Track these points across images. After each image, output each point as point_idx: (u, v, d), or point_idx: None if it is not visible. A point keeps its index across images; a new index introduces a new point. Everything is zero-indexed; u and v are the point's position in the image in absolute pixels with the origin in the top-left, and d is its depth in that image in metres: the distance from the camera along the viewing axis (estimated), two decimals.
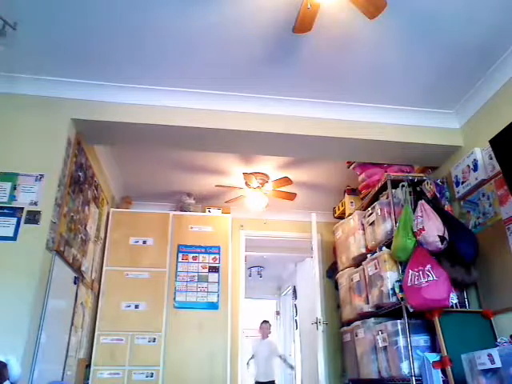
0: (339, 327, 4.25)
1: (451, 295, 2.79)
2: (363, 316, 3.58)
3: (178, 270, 4.26)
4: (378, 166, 3.76)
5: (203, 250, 4.38)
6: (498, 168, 2.67)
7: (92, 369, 3.75)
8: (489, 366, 2.14)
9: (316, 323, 4.10)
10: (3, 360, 2.09)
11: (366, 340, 3.46)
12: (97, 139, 3.38)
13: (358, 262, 3.78)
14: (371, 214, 3.61)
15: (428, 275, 2.79)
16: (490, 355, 2.14)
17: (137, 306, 4.02)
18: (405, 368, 2.87)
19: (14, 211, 2.65)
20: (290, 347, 7.69)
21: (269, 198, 4.54)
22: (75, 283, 3.29)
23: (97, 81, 3.02)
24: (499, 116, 2.82)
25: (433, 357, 2.72)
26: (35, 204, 2.69)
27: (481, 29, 2.57)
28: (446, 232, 2.91)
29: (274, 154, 3.81)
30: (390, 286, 3.13)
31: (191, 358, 3.94)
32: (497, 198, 2.80)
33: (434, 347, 2.87)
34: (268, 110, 3.22)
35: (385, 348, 3.12)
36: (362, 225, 3.78)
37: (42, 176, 2.76)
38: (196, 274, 4.27)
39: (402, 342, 2.94)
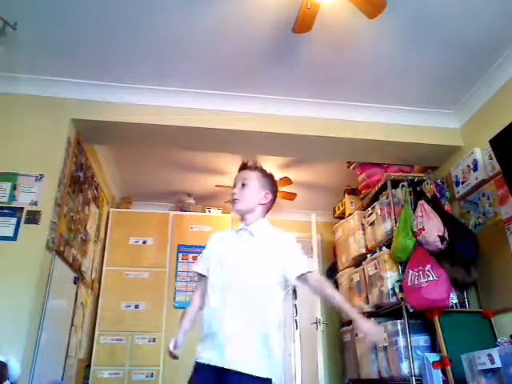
0: (339, 327, 4.25)
1: (451, 295, 2.79)
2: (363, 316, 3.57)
3: (178, 270, 4.26)
4: (378, 166, 3.76)
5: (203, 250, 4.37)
6: (498, 168, 2.67)
7: (92, 369, 3.75)
8: (489, 366, 2.14)
9: (316, 323, 4.10)
10: (3, 360, 2.10)
11: (366, 340, 3.46)
12: (97, 139, 3.38)
13: (358, 262, 3.78)
14: (371, 214, 3.61)
15: (428, 275, 2.79)
16: (490, 355, 2.14)
17: (137, 306, 4.02)
18: (405, 368, 2.86)
19: (14, 211, 2.64)
20: (289, 347, 7.69)
21: None
22: (75, 283, 3.29)
23: (97, 81, 3.01)
24: (499, 116, 2.81)
25: (433, 357, 2.72)
26: (35, 204, 2.68)
27: (481, 29, 2.56)
28: (446, 232, 2.91)
29: (274, 154, 3.81)
30: (390, 286, 3.13)
31: (191, 358, 3.92)
32: (497, 198, 2.80)
33: (434, 347, 2.87)
34: (268, 110, 3.21)
35: (385, 348, 3.12)
36: (362, 225, 3.78)
37: (42, 176, 2.76)
38: (196, 274, 4.26)
39: (402, 342, 2.94)
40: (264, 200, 1.83)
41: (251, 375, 1.52)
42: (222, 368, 1.55)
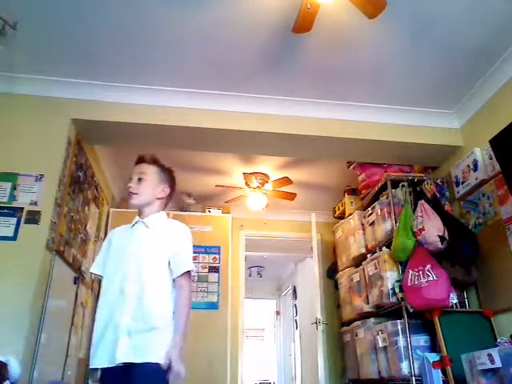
0: (339, 327, 4.25)
1: (451, 295, 2.79)
2: (363, 316, 3.58)
3: None
4: (378, 166, 3.76)
5: (203, 250, 4.37)
6: (498, 168, 2.67)
7: None
8: (489, 365, 2.14)
9: (316, 323, 4.10)
10: (3, 360, 2.10)
11: (365, 340, 3.46)
12: (97, 139, 3.38)
13: (358, 262, 3.78)
14: (371, 214, 3.61)
15: (428, 275, 2.79)
16: (489, 355, 2.14)
17: None
18: (405, 368, 2.87)
19: (14, 211, 2.64)
20: (289, 347, 7.70)
21: (269, 198, 4.54)
22: (75, 283, 3.29)
23: (97, 81, 3.01)
24: (499, 116, 2.81)
25: (433, 357, 2.72)
26: (35, 204, 2.68)
27: (481, 29, 2.56)
28: (446, 232, 2.91)
29: (274, 154, 3.81)
30: (390, 286, 3.13)
31: (191, 359, 3.88)
32: (497, 197, 2.80)
33: (434, 347, 2.87)
34: (268, 110, 3.21)
35: (385, 348, 3.12)
36: (362, 225, 3.78)
37: (42, 176, 2.76)
38: (196, 274, 4.27)
39: (402, 342, 2.94)
40: (162, 194, 1.84)
41: (145, 363, 1.54)
42: (119, 365, 1.55)
